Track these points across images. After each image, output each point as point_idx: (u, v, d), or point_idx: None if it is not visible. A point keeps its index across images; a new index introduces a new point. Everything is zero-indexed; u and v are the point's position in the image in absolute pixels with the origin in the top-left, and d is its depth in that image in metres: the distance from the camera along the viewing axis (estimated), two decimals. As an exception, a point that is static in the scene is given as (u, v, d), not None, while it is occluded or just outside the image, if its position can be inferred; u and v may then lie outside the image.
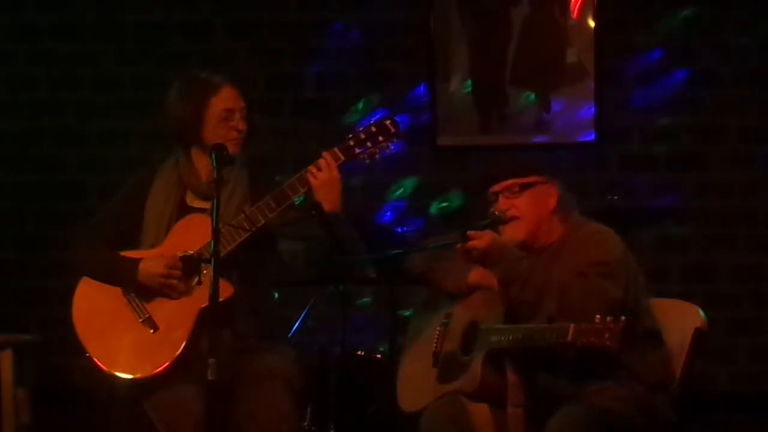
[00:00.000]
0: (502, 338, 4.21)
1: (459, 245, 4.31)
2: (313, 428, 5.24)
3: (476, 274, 4.41)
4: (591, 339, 3.95)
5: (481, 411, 4.30)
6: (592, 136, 6.60)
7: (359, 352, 5.43)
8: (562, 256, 4.33)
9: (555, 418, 4.13)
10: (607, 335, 3.92)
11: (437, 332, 4.50)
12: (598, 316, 3.96)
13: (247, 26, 6.85)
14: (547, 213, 4.38)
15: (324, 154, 4.51)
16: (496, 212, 4.39)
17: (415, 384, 4.50)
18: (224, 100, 4.59)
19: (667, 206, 6.58)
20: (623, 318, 3.93)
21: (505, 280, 4.26)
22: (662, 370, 4.32)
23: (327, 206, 4.46)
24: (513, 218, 4.36)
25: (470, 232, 4.30)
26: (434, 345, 4.49)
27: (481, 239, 4.28)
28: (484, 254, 4.28)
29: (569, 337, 3.97)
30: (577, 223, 4.41)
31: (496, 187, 4.42)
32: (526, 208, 4.37)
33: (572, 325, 3.98)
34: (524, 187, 4.38)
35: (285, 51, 6.83)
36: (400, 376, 4.61)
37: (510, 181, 4.39)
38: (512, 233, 4.36)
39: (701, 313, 4.45)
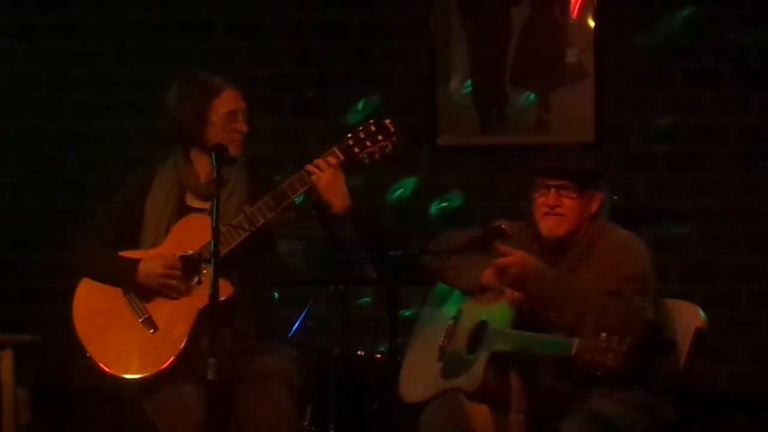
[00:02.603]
0: (508, 343, 4.21)
1: (495, 265, 4.25)
2: (313, 428, 5.23)
3: (489, 274, 4.39)
4: (594, 357, 3.94)
5: (481, 412, 4.30)
6: (592, 137, 6.60)
7: (359, 352, 5.42)
8: (590, 260, 4.32)
9: (562, 428, 4.13)
10: (610, 355, 3.92)
11: (446, 327, 4.50)
12: (604, 334, 3.95)
13: (247, 26, 6.85)
14: (587, 217, 4.38)
15: (332, 149, 4.51)
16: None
17: (418, 375, 4.50)
18: (226, 102, 4.60)
19: (667, 206, 6.58)
20: (628, 340, 3.93)
21: (541, 303, 4.21)
22: (672, 376, 4.32)
23: (337, 205, 4.45)
24: (560, 215, 4.34)
25: (501, 247, 4.25)
26: (441, 339, 4.49)
27: (516, 258, 4.21)
28: (521, 276, 4.22)
29: (572, 352, 3.98)
30: (605, 227, 4.40)
31: (554, 181, 4.38)
32: (573, 210, 4.35)
33: (577, 341, 3.98)
34: (581, 192, 4.36)
35: (285, 51, 6.82)
36: (404, 364, 4.60)
37: (572, 183, 4.35)
38: (554, 229, 4.35)
39: (701, 313, 4.45)
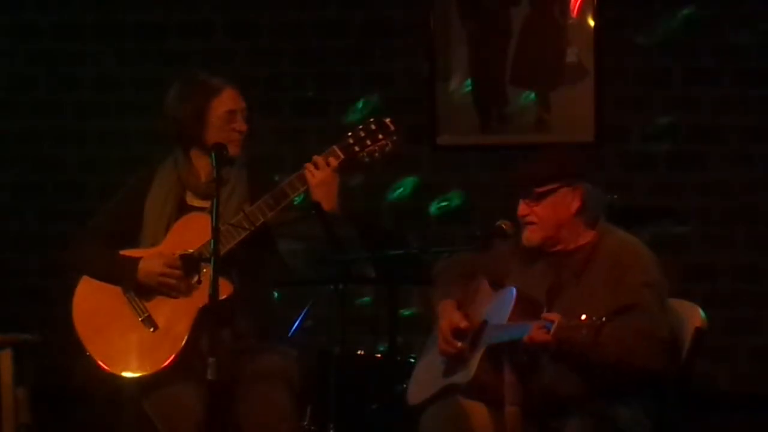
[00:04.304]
0: (502, 336, 4.21)
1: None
2: (313, 428, 5.23)
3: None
4: (569, 334, 3.91)
5: (479, 412, 4.29)
6: (592, 136, 6.60)
7: (359, 352, 5.43)
8: (594, 265, 4.26)
9: (564, 427, 4.13)
10: (584, 332, 3.88)
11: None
12: (584, 315, 3.93)
13: (247, 26, 6.85)
14: (568, 217, 4.27)
15: (332, 148, 4.51)
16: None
17: (424, 377, 4.50)
18: (226, 102, 4.60)
19: (667, 206, 6.58)
20: (603, 318, 3.90)
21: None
22: (673, 376, 4.32)
23: (325, 205, 4.46)
24: (531, 223, 4.28)
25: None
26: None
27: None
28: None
29: (551, 332, 3.95)
30: (605, 229, 4.32)
31: (517, 191, 4.31)
32: (544, 215, 4.26)
33: (556, 323, 3.96)
34: (541, 195, 4.27)
35: (285, 51, 6.83)
36: (416, 367, 4.60)
37: (529, 191, 4.28)
38: (528, 238, 4.29)
39: (701, 313, 4.44)
